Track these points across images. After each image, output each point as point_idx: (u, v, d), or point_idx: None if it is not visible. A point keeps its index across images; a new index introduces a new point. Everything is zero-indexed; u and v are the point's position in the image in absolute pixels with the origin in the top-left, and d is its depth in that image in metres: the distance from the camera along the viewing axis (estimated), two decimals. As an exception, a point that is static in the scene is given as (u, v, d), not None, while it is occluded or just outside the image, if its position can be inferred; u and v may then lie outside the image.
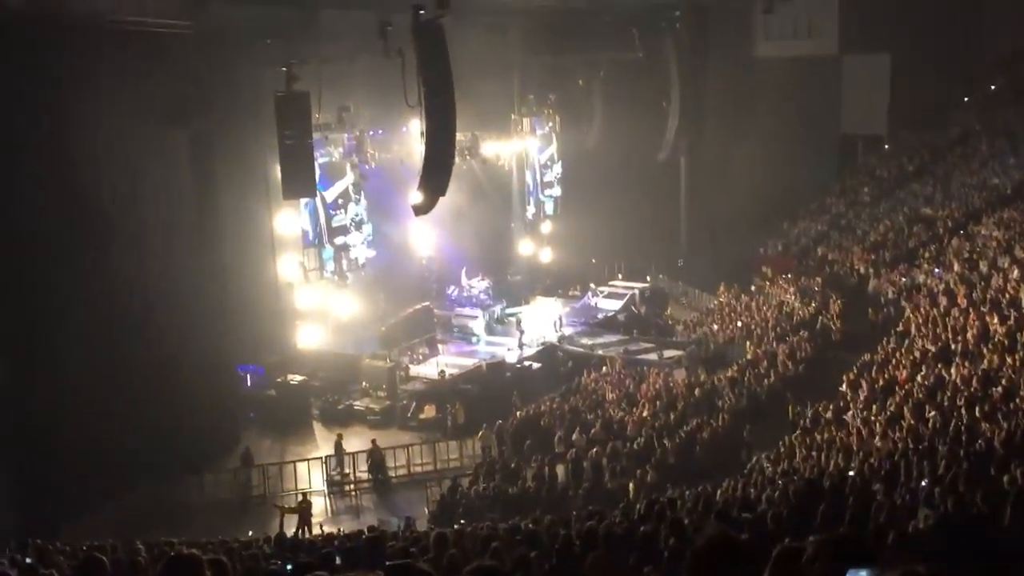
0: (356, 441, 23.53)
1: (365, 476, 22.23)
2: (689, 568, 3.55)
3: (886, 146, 38.72)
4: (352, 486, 22.32)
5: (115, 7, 20.30)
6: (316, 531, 18.32)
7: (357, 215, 29.32)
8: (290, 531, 17.80)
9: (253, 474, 22.03)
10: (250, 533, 17.21)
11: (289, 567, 8.24)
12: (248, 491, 21.74)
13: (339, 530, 17.24)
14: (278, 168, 24.01)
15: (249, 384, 26.66)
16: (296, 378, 26.49)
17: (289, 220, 27.16)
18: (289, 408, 25.88)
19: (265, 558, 11.07)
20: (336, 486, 22.19)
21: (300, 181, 24.03)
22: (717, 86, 36.84)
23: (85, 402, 19.97)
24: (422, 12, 17.33)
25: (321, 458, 22.71)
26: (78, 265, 19.87)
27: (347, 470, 22.36)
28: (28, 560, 10.87)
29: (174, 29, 21.52)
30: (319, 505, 21.08)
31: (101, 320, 20.44)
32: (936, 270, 26.19)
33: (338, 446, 22.54)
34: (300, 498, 20.04)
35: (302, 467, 22.38)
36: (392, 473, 22.61)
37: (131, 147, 21.00)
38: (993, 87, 36.42)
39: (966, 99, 36.20)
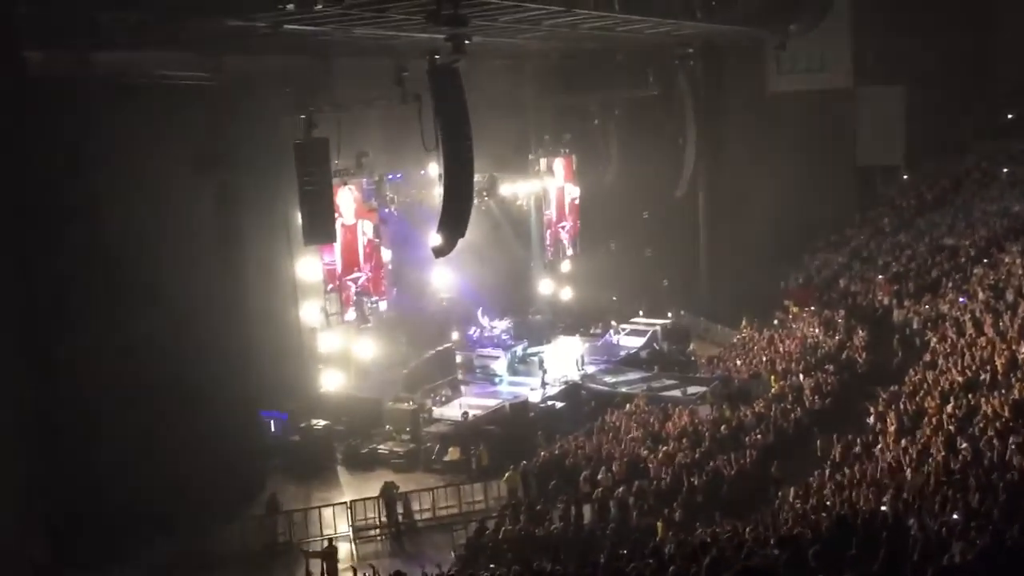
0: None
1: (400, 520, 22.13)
2: None
3: (904, 176, 38.67)
4: (377, 531, 22.20)
5: (136, 62, 20.71)
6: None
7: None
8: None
9: (279, 521, 21.96)
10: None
11: None
12: (274, 538, 21.65)
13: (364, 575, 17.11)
14: (299, 214, 24.26)
15: (274, 430, 26.67)
16: (320, 423, 26.48)
17: (311, 265, 27.31)
18: (313, 453, 25.83)
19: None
20: (360, 531, 22.08)
21: (321, 226, 24.25)
22: (733, 121, 37.01)
23: (109, 451, 20.03)
24: (437, 57, 17.57)
25: (346, 503, 22.62)
26: (105, 316, 20.07)
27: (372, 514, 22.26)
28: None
29: (195, 81, 21.92)
30: (344, 550, 20.97)
31: (127, 367, 20.56)
32: (962, 298, 25.98)
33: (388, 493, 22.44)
34: (326, 544, 19.94)
35: (327, 512, 22.29)
36: (418, 516, 22.46)
37: (156, 198, 21.28)
38: (1010, 116, 36.40)
39: (1009, 116, 35.97)
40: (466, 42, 17.27)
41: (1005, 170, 35.13)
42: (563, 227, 36.52)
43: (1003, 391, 18.13)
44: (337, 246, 26.94)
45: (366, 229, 28.41)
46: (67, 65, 18.77)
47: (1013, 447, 15.05)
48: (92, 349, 19.96)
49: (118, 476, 19.85)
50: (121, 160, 19.87)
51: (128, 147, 19.85)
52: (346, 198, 27.18)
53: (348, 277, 27.56)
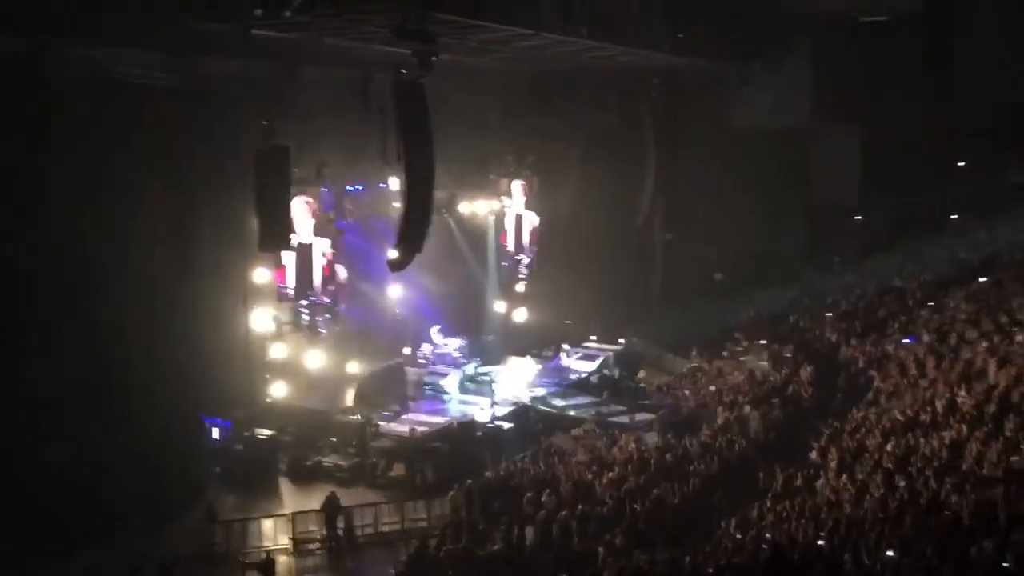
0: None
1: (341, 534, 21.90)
2: None
3: (857, 217, 39.35)
4: (317, 545, 21.95)
5: (100, 59, 20.47)
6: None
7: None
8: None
9: (217, 529, 21.61)
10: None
11: None
12: (211, 547, 21.29)
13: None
14: (255, 220, 24.05)
15: (216, 437, 26.27)
16: (264, 432, 26.15)
17: (265, 273, 27.06)
18: (256, 463, 25.49)
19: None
20: (300, 544, 21.81)
21: (277, 234, 24.04)
22: (693, 153, 37.45)
23: (48, 451, 19.64)
24: (403, 72, 17.61)
25: (287, 515, 22.33)
26: (51, 313, 19.71)
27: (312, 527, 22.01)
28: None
29: (157, 81, 21.71)
30: (283, 563, 20.69)
31: (71, 367, 20.21)
32: (907, 339, 26.48)
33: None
34: (264, 556, 19.67)
35: (267, 523, 21.98)
36: (359, 531, 22.25)
37: (109, 197, 21.00)
38: (962, 163, 37.26)
39: (961, 164, 36.87)
40: (433, 59, 17.34)
41: (954, 216, 35.94)
42: (518, 258, 36.66)
43: (942, 432, 18.50)
44: (291, 270, 26.82)
45: (324, 249, 28.28)
46: (29, 56, 18.48)
47: (949, 487, 15.36)
48: (32, 347, 19.59)
49: (52, 478, 19.45)
50: (76, 156, 19.58)
51: (84, 143, 19.57)
52: (301, 211, 26.94)
53: (301, 301, 27.40)
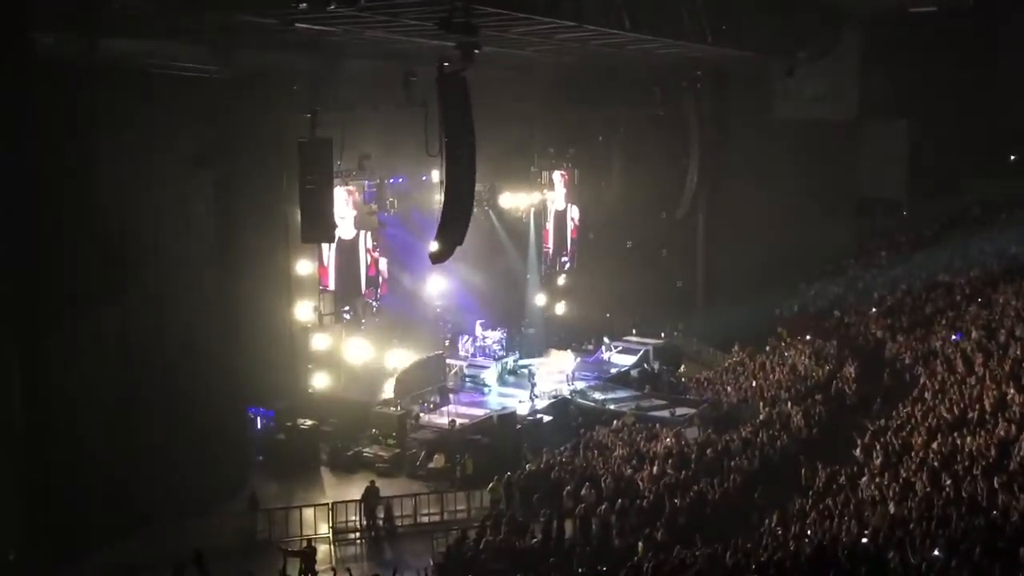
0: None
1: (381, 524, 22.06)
2: None
3: (904, 211, 38.77)
4: (357, 534, 22.13)
5: (147, 51, 20.73)
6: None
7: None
8: (294, 577, 17.62)
9: (259, 518, 21.86)
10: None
11: None
12: (253, 535, 21.54)
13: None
14: (299, 212, 24.25)
15: (259, 427, 26.59)
16: (306, 423, 26.41)
17: (307, 265, 27.29)
18: (298, 453, 25.76)
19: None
20: (340, 534, 22.00)
21: (319, 226, 24.24)
22: (737, 146, 37.10)
23: (96, 439, 19.97)
24: (446, 64, 17.58)
25: (327, 504, 22.53)
26: (97, 303, 20.00)
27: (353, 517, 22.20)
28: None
29: (202, 74, 21.94)
30: (323, 552, 20.87)
31: (116, 358, 20.54)
32: (955, 336, 26.01)
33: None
34: (304, 544, 19.85)
35: (308, 512, 22.19)
36: (399, 522, 22.38)
37: (155, 188, 21.28)
38: (1012, 157, 36.54)
39: (1012, 158, 36.18)
40: (476, 51, 17.29)
41: (1002, 211, 35.28)
42: (559, 251, 36.64)
43: (989, 430, 18.15)
44: (333, 267, 27.02)
45: (367, 244, 28.43)
46: (76, 49, 18.74)
47: (997, 486, 15.06)
48: (81, 340, 19.90)
49: (100, 468, 19.76)
50: (123, 148, 19.85)
51: (131, 135, 19.85)
52: (343, 202, 27.15)
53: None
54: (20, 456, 19.35)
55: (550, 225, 36.50)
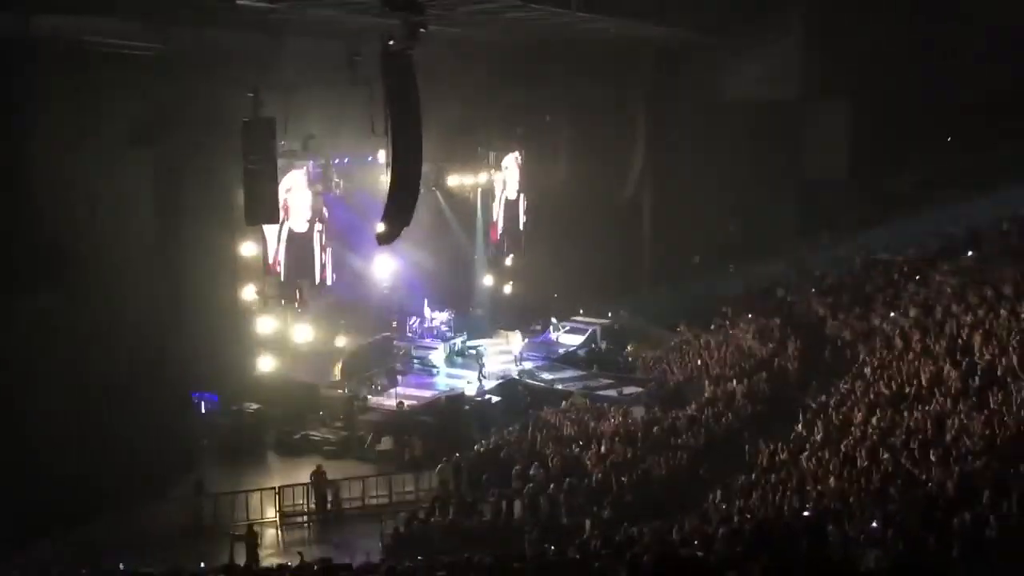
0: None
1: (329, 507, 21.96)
2: None
3: (846, 191, 39.34)
4: (304, 517, 22.01)
5: (82, 28, 20.19)
6: (266, 563, 18.01)
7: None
8: (241, 562, 17.48)
9: (205, 503, 21.63)
10: (202, 564, 16.87)
11: None
12: (200, 520, 21.32)
13: (288, 562, 16.94)
14: (242, 193, 23.87)
15: (203, 411, 26.25)
16: (252, 406, 26.15)
17: (251, 247, 26.91)
18: (244, 437, 25.53)
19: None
20: (288, 517, 21.86)
21: (264, 207, 23.91)
22: (683, 126, 37.30)
23: (37, 427, 19.58)
24: (391, 43, 17.39)
25: (274, 488, 22.36)
26: (35, 288, 19.56)
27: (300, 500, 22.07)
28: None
29: (140, 51, 21.43)
30: (271, 536, 20.75)
31: (56, 343, 20.11)
32: (893, 313, 26.56)
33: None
34: (245, 529, 19.70)
35: (255, 497, 22.01)
36: (347, 504, 22.32)
37: (92, 170, 20.81)
38: (949, 138, 37.23)
39: (949, 139, 36.81)
40: (421, 30, 17.13)
41: (942, 191, 35.96)
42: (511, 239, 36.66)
43: (926, 406, 18.60)
44: (284, 255, 26.73)
45: (319, 235, 28.13)
46: (8, 25, 18.21)
47: (933, 460, 15.47)
48: (18, 323, 19.46)
49: (41, 453, 19.38)
50: (58, 127, 19.37)
51: (66, 114, 19.36)
52: (300, 185, 26.79)
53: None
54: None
55: (499, 208, 36.39)
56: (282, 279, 27.20)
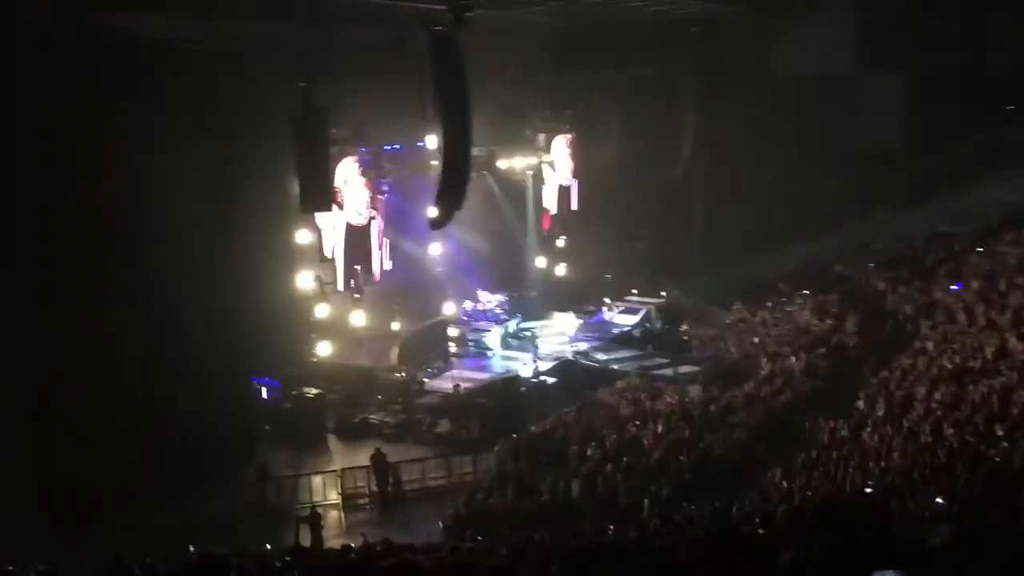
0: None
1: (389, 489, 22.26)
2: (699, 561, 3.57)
3: (902, 164, 38.62)
4: (366, 499, 22.35)
5: (133, 24, 20.57)
6: (330, 544, 18.33)
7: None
8: (306, 543, 17.82)
9: (269, 487, 22.07)
10: (267, 546, 17.22)
11: None
12: (263, 504, 21.77)
13: (352, 543, 17.22)
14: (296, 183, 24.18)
15: (264, 397, 26.73)
16: (312, 391, 26.56)
17: (307, 234, 27.26)
18: (304, 421, 25.94)
19: (280, 569, 11.10)
20: (350, 499, 22.21)
21: (317, 195, 24.17)
22: (734, 103, 36.85)
23: (105, 414, 20.09)
24: (439, 28, 17.48)
25: (336, 471, 22.73)
26: (99, 279, 20.06)
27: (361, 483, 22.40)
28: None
29: (193, 45, 21.79)
30: (333, 518, 21.11)
31: (118, 330, 20.59)
32: (956, 285, 26.07)
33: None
34: (311, 509, 20.07)
35: (317, 480, 22.41)
36: (407, 486, 22.60)
37: (152, 162, 21.21)
38: (1010, 107, 36.34)
39: (1010, 108, 35.92)
40: (468, 14, 17.18)
41: (1001, 160, 35.14)
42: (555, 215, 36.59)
43: (991, 379, 18.28)
44: (339, 248, 27.03)
45: (375, 226, 28.40)
46: (71, 24, 18.63)
47: (999, 434, 15.21)
48: (83, 313, 19.96)
49: (107, 441, 19.89)
50: (120, 123, 19.77)
51: (126, 110, 19.76)
52: (353, 174, 27.08)
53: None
54: (31, 432, 19.50)
55: (550, 191, 36.32)
56: (339, 268, 27.50)
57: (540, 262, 36.88)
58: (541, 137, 35.43)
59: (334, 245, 27.45)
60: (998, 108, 36.41)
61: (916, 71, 36.10)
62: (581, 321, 33.74)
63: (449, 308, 33.04)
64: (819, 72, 36.99)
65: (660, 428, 22.20)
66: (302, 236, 27.23)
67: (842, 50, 37.68)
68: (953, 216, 32.34)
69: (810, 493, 14.86)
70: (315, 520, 19.35)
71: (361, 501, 22.36)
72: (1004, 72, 34.99)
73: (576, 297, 36.16)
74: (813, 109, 36.84)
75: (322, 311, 27.97)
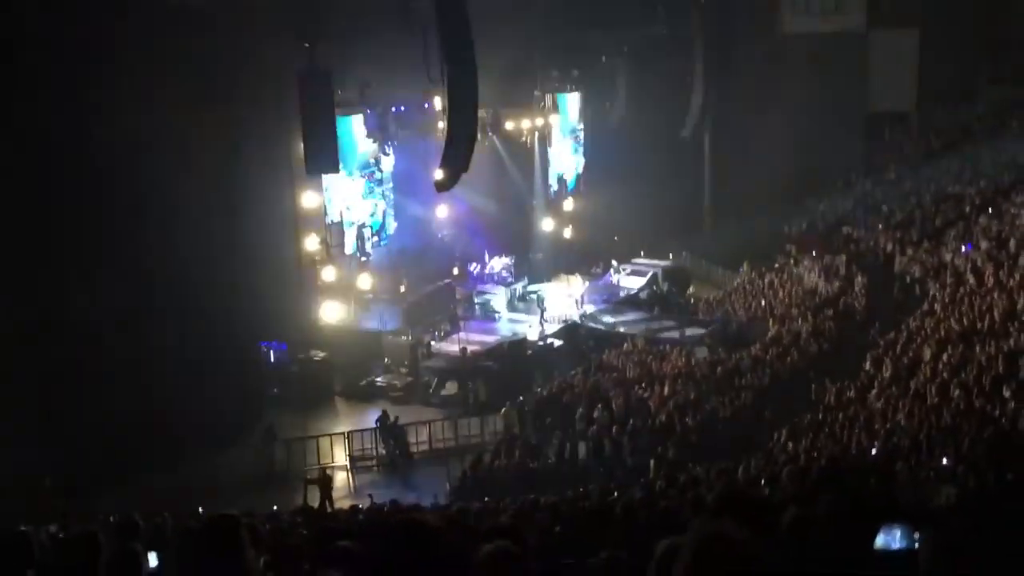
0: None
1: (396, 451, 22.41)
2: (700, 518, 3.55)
3: (914, 123, 38.23)
4: (373, 461, 22.50)
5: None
6: (339, 505, 18.48)
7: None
8: (315, 504, 17.97)
9: (277, 449, 22.22)
10: (275, 507, 17.35)
11: None
12: (272, 466, 21.94)
13: (360, 504, 17.36)
14: (302, 144, 24.07)
15: (272, 360, 26.82)
16: (319, 354, 26.63)
17: (313, 197, 27.19)
18: (311, 384, 26.05)
19: (289, 530, 11.17)
20: (357, 461, 22.36)
21: (323, 156, 24.10)
22: (743, 62, 36.46)
23: (114, 378, 20.18)
24: (445, -13, 17.27)
25: (344, 433, 22.85)
26: (105, 242, 20.06)
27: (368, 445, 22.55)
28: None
29: (193, 7, 21.55)
30: (341, 479, 21.26)
31: (127, 295, 20.62)
32: (965, 247, 25.88)
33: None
34: (320, 471, 20.20)
35: (325, 442, 22.54)
36: (414, 449, 22.73)
37: (156, 124, 21.08)
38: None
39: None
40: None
41: (1014, 123, 34.73)
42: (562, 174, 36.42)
43: (999, 341, 18.19)
44: (344, 209, 27.00)
45: (379, 187, 28.29)
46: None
47: (1006, 396, 15.16)
48: (87, 275, 19.97)
49: (117, 404, 20.00)
50: (121, 84, 19.64)
51: (126, 71, 19.61)
52: (357, 145, 27.00)
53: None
54: (44, 396, 19.64)
55: (557, 152, 36.07)
56: (346, 231, 27.48)
57: (547, 224, 36.75)
58: (548, 98, 35.15)
59: (341, 207, 27.40)
60: (1012, 65, 35.89)
61: (928, 28, 35.60)
62: (588, 283, 33.68)
63: (455, 271, 33.01)
64: (831, 30, 36.53)
65: (667, 390, 22.23)
66: (308, 199, 27.17)
67: (854, 7, 37.19)
68: (964, 176, 31.99)
69: (815, 454, 14.88)
70: (325, 481, 19.47)
71: (368, 463, 22.50)
72: (1018, 29, 34.47)
73: (583, 259, 36.07)
74: (824, 68, 36.39)
75: (328, 274, 27.97)
